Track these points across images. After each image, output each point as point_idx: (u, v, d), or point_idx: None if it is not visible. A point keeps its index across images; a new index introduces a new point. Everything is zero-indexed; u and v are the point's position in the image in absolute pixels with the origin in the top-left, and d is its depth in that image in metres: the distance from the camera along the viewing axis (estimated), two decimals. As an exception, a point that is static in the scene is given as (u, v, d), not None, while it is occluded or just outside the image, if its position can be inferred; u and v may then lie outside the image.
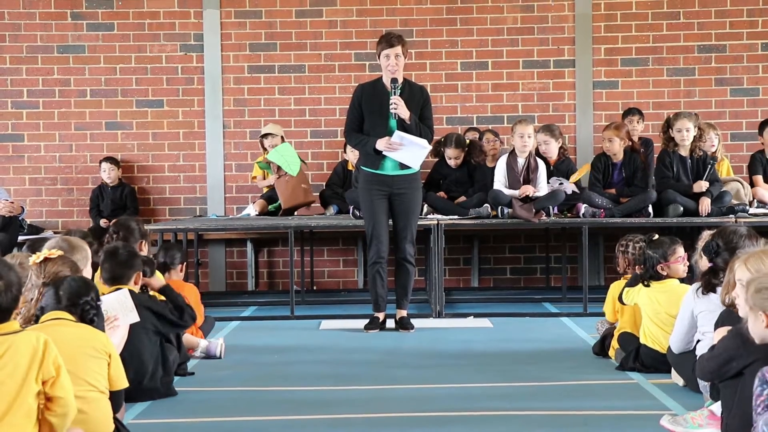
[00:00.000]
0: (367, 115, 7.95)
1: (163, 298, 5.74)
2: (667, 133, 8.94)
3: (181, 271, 7.11)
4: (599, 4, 10.90)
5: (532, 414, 5.01)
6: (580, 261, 9.37)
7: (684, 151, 8.93)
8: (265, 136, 10.27)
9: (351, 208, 9.33)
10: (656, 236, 6.21)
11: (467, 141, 9.70)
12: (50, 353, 3.61)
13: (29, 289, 4.45)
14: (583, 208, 8.91)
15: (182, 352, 5.99)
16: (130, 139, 10.99)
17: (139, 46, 10.97)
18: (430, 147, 8.07)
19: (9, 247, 9.48)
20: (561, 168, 9.31)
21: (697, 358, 4.75)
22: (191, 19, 10.98)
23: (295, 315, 8.83)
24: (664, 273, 6.03)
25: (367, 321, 8.09)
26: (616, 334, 6.42)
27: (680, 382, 5.55)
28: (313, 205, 10.30)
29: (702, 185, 8.83)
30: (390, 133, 7.81)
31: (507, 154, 9.02)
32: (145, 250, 6.59)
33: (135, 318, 5.11)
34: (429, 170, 9.65)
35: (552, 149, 9.35)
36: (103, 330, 4.45)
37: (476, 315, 8.80)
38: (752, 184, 9.73)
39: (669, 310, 5.81)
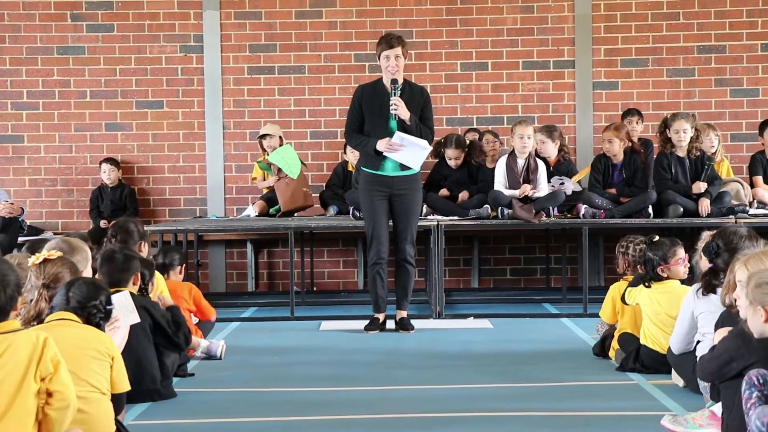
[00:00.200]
0: (367, 116, 7.95)
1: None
2: (664, 133, 8.94)
3: (181, 272, 7.11)
4: (599, 5, 10.89)
5: (533, 415, 5.01)
6: (580, 262, 9.37)
7: (681, 152, 8.93)
8: (264, 136, 10.26)
9: (351, 208, 9.33)
10: (657, 238, 6.21)
11: (467, 141, 9.70)
12: (48, 351, 3.61)
13: (28, 290, 4.45)
14: (583, 208, 8.92)
15: (182, 353, 5.98)
16: (130, 140, 10.99)
17: (138, 47, 10.97)
18: (430, 148, 8.08)
19: (9, 248, 9.48)
20: (561, 169, 9.31)
21: (698, 358, 4.76)
22: (191, 20, 10.98)
23: (295, 316, 8.83)
24: (665, 275, 6.02)
25: (367, 322, 8.09)
26: (616, 334, 6.42)
27: (680, 382, 5.54)
28: (313, 205, 10.29)
29: (700, 186, 8.83)
30: (390, 134, 7.81)
31: (507, 155, 9.02)
32: (144, 251, 6.58)
33: (135, 319, 5.11)
34: (429, 171, 9.64)
35: (549, 149, 9.35)
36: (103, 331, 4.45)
37: (476, 316, 8.80)
38: (752, 185, 9.73)
39: (669, 311, 5.81)
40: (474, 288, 10.90)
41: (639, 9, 10.90)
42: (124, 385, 4.35)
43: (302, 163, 10.07)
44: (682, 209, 8.75)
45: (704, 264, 5.36)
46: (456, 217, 9.03)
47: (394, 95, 7.81)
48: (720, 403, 4.28)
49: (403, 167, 7.91)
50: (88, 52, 10.95)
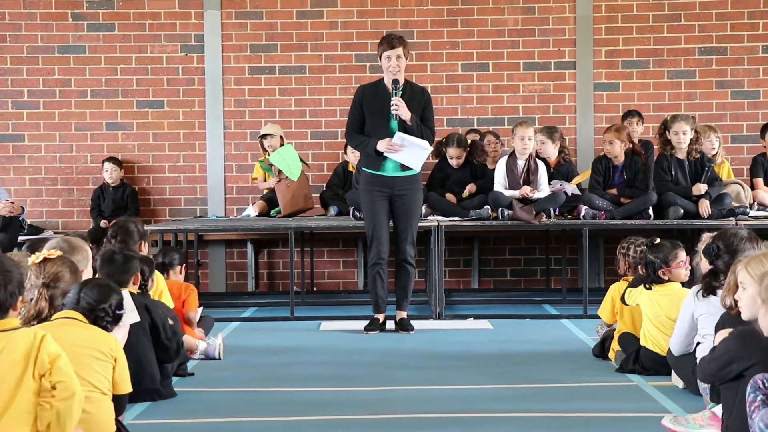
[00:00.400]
0: (368, 116, 7.95)
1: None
2: (664, 135, 8.94)
3: (181, 272, 7.11)
4: (600, 6, 10.89)
5: (532, 416, 5.01)
6: (581, 263, 9.36)
7: (681, 154, 8.93)
8: (264, 136, 10.26)
9: (351, 209, 9.33)
10: (658, 240, 6.20)
11: (469, 141, 9.69)
12: (45, 348, 3.60)
13: (28, 289, 4.44)
14: (583, 210, 8.92)
15: (182, 353, 5.98)
16: (131, 140, 10.99)
17: (139, 47, 10.97)
18: (431, 148, 8.07)
19: (9, 247, 9.48)
20: (561, 170, 9.31)
21: (698, 360, 4.76)
22: (192, 20, 10.98)
23: (295, 316, 8.83)
24: (666, 277, 6.02)
25: (367, 322, 8.09)
26: (615, 335, 6.42)
27: (680, 384, 5.54)
28: (313, 208, 10.29)
29: (700, 188, 8.83)
30: (391, 135, 7.81)
31: (507, 156, 9.02)
32: (144, 251, 6.58)
33: (135, 318, 5.10)
34: (430, 171, 9.63)
35: (548, 150, 9.35)
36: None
37: (476, 316, 8.79)
38: (753, 187, 9.73)
39: (669, 314, 5.80)
40: (474, 289, 10.90)
41: (640, 10, 10.90)
42: (126, 387, 4.35)
43: (303, 162, 10.05)
44: (682, 211, 8.75)
45: (704, 266, 5.36)
46: (456, 218, 9.03)
47: (395, 95, 7.81)
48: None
49: (404, 168, 7.91)
50: (89, 52, 10.95)
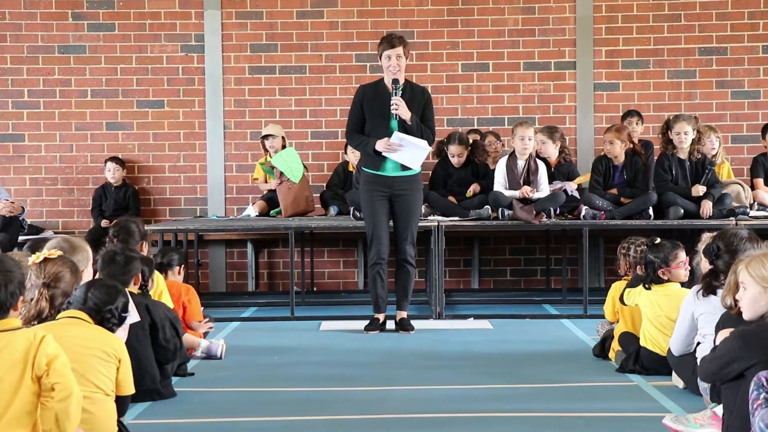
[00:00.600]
0: (368, 116, 7.95)
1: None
2: (666, 135, 8.95)
3: (180, 272, 7.11)
4: (600, 6, 10.89)
5: (532, 416, 5.01)
6: (581, 263, 9.36)
7: (682, 154, 8.94)
8: (266, 137, 10.26)
9: (351, 209, 9.33)
10: (658, 240, 6.20)
11: (470, 140, 9.68)
12: (43, 349, 3.59)
13: (29, 289, 4.44)
14: (583, 210, 8.92)
15: (182, 353, 5.98)
16: (131, 140, 10.99)
17: (139, 47, 10.97)
18: (429, 148, 8.06)
19: (9, 246, 9.48)
20: (562, 170, 9.32)
21: (698, 360, 4.76)
22: (192, 20, 10.98)
23: (296, 316, 8.83)
24: (665, 277, 6.02)
25: (367, 322, 8.09)
26: (616, 335, 6.42)
27: (680, 384, 5.54)
28: (314, 210, 10.28)
29: (699, 189, 8.83)
30: (391, 134, 7.81)
31: (507, 156, 9.02)
32: (145, 251, 6.59)
33: (135, 318, 5.10)
34: (431, 171, 9.63)
35: (549, 150, 9.35)
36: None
37: (476, 316, 8.79)
38: (753, 187, 9.73)
39: (669, 314, 5.80)
40: (474, 289, 10.90)
41: (640, 10, 10.90)
42: (130, 388, 4.35)
43: (305, 167, 10.06)
44: (682, 211, 8.75)
45: (705, 265, 5.36)
46: (456, 218, 9.03)
47: (395, 95, 7.81)
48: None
49: (404, 167, 7.91)
50: (89, 51, 10.95)
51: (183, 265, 7.17)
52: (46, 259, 4.60)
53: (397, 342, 7.56)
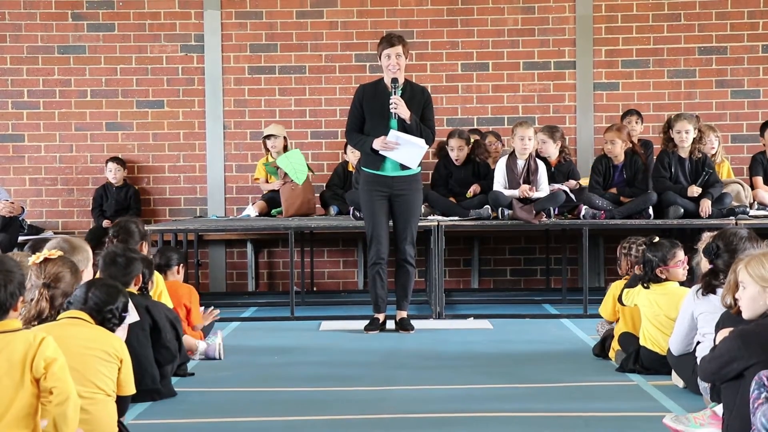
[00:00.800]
0: (368, 115, 7.95)
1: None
2: (667, 133, 8.95)
3: (179, 272, 7.10)
4: (600, 6, 10.89)
5: (532, 415, 5.01)
6: (581, 262, 9.36)
7: (683, 153, 8.94)
8: (268, 137, 10.26)
9: (351, 209, 9.32)
10: (657, 239, 6.21)
11: (472, 140, 9.67)
12: (42, 351, 3.58)
13: (29, 289, 4.44)
14: (583, 209, 8.92)
15: (182, 353, 5.98)
16: (131, 140, 10.99)
17: (139, 47, 10.97)
18: (427, 147, 8.04)
19: (9, 247, 9.48)
20: (562, 170, 9.32)
21: (698, 359, 4.76)
22: (192, 20, 10.98)
23: (295, 316, 8.83)
24: (664, 276, 6.02)
25: (367, 322, 8.09)
26: (615, 334, 6.42)
27: (680, 383, 5.54)
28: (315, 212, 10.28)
29: (694, 190, 8.83)
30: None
31: (507, 156, 9.02)
32: (145, 251, 6.58)
33: (134, 317, 5.10)
34: (431, 170, 9.62)
35: (549, 149, 9.34)
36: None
37: (476, 316, 8.79)
38: (752, 186, 9.73)
39: (668, 313, 5.81)
40: (474, 288, 10.90)
41: (640, 10, 10.90)
42: (130, 389, 4.35)
43: (310, 169, 10.05)
44: (682, 210, 8.75)
45: (704, 265, 5.37)
46: (456, 218, 9.03)
47: (395, 94, 7.81)
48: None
49: (404, 167, 7.91)
50: (88, 52, 10.95)
51: (182, 265, 7.16)
52: (46, 260, 4.60)
53: (397, 342, 7.56)
